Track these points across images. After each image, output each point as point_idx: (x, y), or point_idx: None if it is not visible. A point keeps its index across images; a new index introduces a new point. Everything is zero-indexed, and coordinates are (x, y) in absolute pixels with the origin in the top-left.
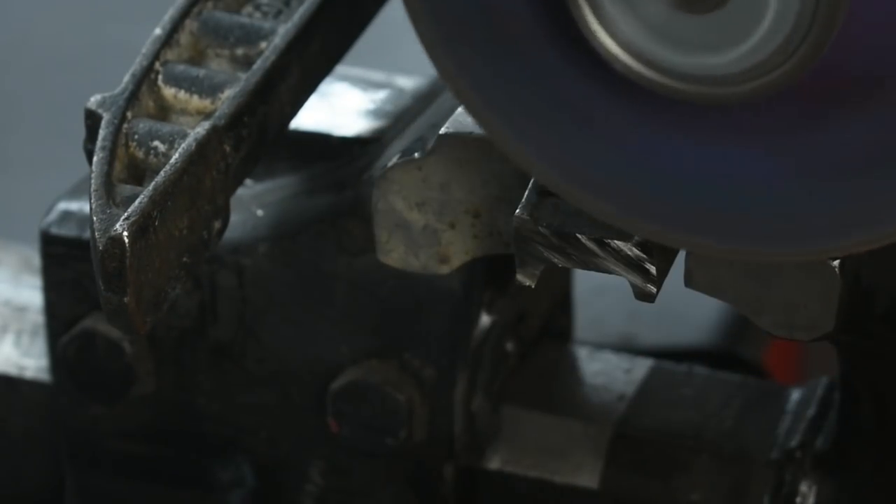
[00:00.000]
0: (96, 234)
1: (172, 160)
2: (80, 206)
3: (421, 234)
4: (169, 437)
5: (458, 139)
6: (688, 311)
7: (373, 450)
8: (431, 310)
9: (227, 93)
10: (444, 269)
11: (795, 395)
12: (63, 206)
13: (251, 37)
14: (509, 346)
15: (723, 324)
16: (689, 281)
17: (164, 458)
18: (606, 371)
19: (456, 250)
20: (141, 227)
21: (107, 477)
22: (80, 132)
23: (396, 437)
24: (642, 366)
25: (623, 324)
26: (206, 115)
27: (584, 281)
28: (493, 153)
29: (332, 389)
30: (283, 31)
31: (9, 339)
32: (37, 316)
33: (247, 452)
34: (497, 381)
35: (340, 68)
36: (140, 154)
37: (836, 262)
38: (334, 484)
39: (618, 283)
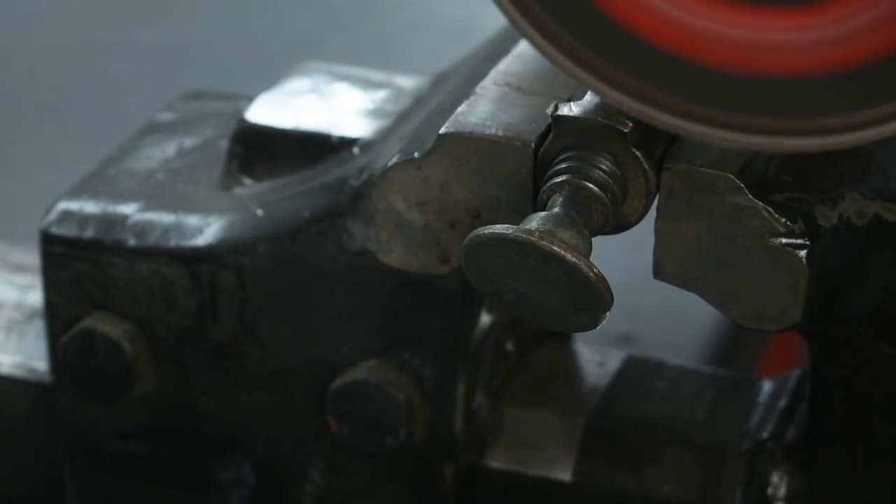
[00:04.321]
0: None
1: None
2: (80, 206)
3: (421, 234)
4: (169, 436)
5: (458, 139)
6: (687, 311)
7: (373, 449)
8: (431, 310)
9: None
10: (444, 269)
11: (767, 386)
12: (63, 206)
13: None
14: (509, 345)
15: (722, 323)
16: (658, 272)
17: (164, 458)
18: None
19: (456, 250)
20: None
21: (107, 477)
22: (81, 132)
23: (396, 436)
24: (615, 358)
25: (623, 324)
26: None
27: None
28: (493, 153)
29: (332, 389)
30: None
31: None
32: (11, 312)
33: (247, 452)
34: (497, 380)
35: (340, 68)
36: None
37: (804, 253)
38: (334, 484)
39: (617, 283)
